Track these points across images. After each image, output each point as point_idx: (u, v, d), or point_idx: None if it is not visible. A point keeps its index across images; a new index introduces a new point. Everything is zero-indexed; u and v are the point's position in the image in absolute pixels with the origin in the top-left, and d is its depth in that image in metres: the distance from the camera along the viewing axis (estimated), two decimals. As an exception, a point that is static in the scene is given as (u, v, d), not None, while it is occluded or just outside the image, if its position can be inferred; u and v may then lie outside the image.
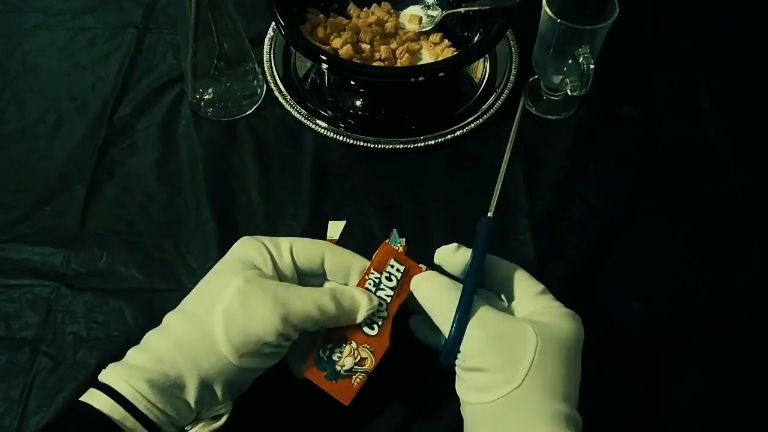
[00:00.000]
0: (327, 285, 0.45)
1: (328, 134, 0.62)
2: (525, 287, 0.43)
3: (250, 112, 0.64)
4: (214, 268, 0.44)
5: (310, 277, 0.45)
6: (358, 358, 0.42)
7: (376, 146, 0.61)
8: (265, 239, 0.44)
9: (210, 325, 0.39)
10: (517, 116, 0.50)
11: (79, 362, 0.49)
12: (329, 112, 0.64)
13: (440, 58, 0.65)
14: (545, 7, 0.55)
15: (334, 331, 0.43)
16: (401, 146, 0.61)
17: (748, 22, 0.72)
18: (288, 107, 0.64)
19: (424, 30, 0.68)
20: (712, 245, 0.56)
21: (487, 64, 0.67)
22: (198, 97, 0.63)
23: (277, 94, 0.65)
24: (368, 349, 0.42)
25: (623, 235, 0.57)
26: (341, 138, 0.61)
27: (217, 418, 0.41)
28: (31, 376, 0.49)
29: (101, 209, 0.57)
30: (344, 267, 0.44)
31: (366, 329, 0.43)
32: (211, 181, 0.59)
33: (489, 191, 0.59)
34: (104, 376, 0.39)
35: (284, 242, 0.44)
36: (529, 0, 0.59)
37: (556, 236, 0.56)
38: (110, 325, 0.51)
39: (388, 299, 0.43)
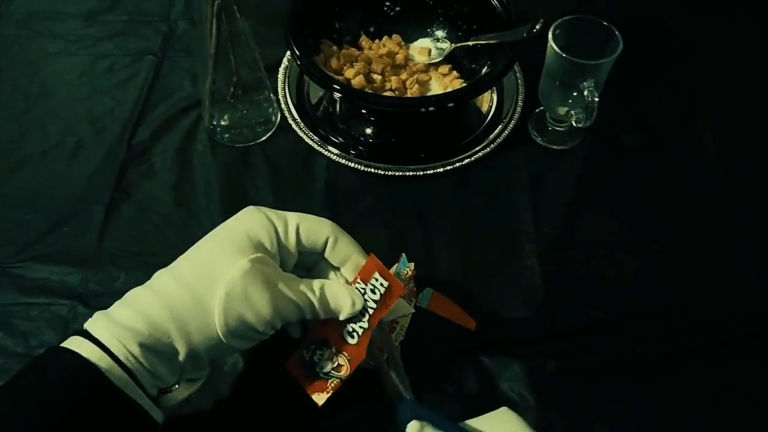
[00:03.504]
0: (317, 282, 0.44)
1: (339, 160, 0.64)
2: None
3: (264, 138, 0.66)
4: (216, 233, 0.44)
5: (309, 254, 0.46)
6: (336, 363, 0.44)
7: (386, 173, 0.63)
8: (273, 214, 0.44)
9: (209, 303, 0.40)
10: None
11: (95, 380, 0.50)
12: (341, 139, 0.65)
13: (449, 89, 0.67)
14: (551, 43, 0.58)
15: (318, 331, 0.45)
16: (410, 173, 0.63)
17: (747, 53, 0.74)
18: (301, 134, 0.66)
19: (433, 62, 0.70)
20: (715, 270, 0.57)
21: (494, 95, 0.69)
22: (215, 123, 0.65)
23: (290, 120, 0.67)
24: (345, 357, 0.44)
25: (628, 261, 0.58)
26: (352, 164, 0.63)
27: (194, 381, 0.43)
28: (48, 392, 0.50)
29: (119, 230, 0.59)
30: (343, 256, 0.45)
31: (348, 337, 0.44)
32: (225, 204, 0.60)
33: (495, 217, 0.61)
34: (95, 330, 0.39)
35: (292, 220, 0.44)
36: (535, 34, 0.61)
37: (562, 262, 0.57)
38: (126, 344, 0.52)
39: (371, 311, 0.44)
